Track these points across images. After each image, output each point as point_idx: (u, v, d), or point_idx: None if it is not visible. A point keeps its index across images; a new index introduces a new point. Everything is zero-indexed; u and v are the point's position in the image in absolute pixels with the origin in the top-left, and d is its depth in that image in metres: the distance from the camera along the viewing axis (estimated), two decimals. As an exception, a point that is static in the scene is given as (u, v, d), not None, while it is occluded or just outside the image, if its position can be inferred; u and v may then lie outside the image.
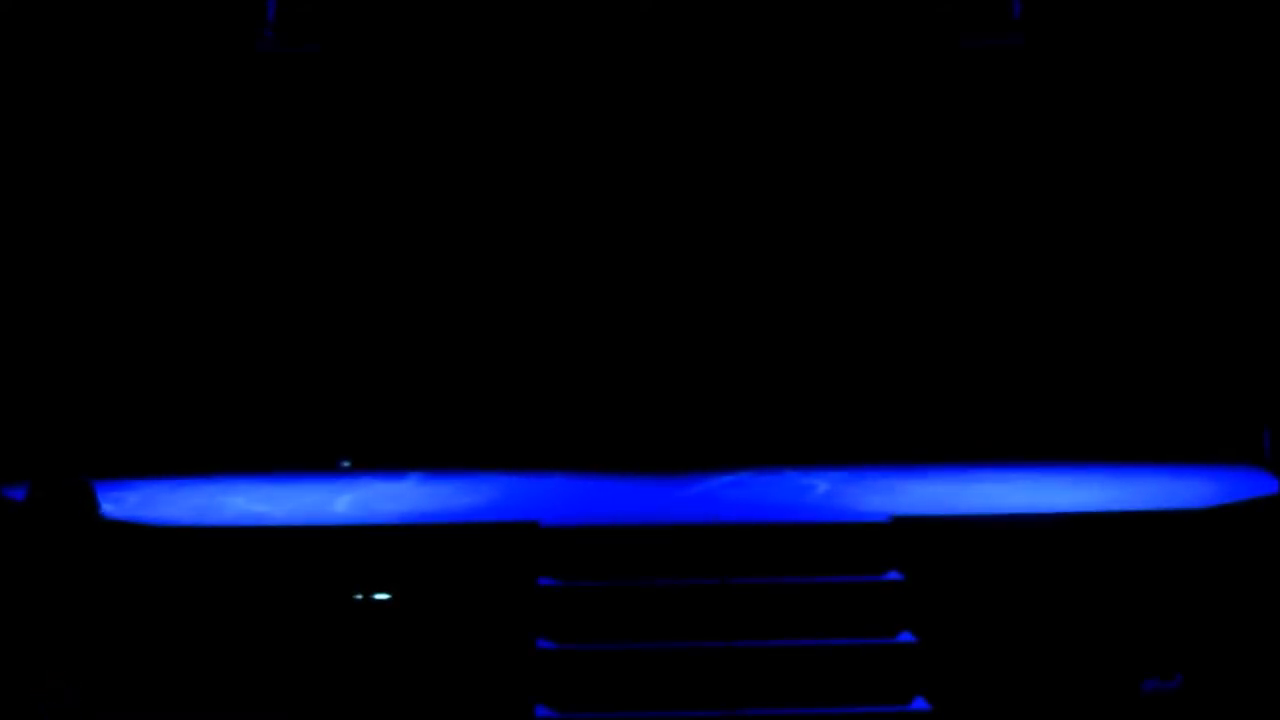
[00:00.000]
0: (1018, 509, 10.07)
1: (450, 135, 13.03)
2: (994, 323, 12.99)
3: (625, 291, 12.98)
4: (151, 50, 12.69)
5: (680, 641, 8.94)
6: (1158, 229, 12.97)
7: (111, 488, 11.08)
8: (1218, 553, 9.55)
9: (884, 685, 8.80)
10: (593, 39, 12.99)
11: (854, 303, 13.17)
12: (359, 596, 9.48)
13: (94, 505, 9.66)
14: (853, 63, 13.04)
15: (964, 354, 12.99)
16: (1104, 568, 9.53)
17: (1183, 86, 12.87)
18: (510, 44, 12.97)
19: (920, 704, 8.75)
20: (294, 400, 12.17)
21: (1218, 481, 10.89)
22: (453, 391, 12.81)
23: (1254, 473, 11.12)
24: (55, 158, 12.66)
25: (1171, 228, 12.95)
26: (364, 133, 12.94)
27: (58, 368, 12.51)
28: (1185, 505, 9.92)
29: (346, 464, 12.18)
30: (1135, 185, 13.03)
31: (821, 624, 9.01)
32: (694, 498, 10.91)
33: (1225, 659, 9.31)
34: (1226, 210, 12.83)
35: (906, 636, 8.99)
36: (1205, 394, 12.67)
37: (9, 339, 12.37)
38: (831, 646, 8.89)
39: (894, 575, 9.24)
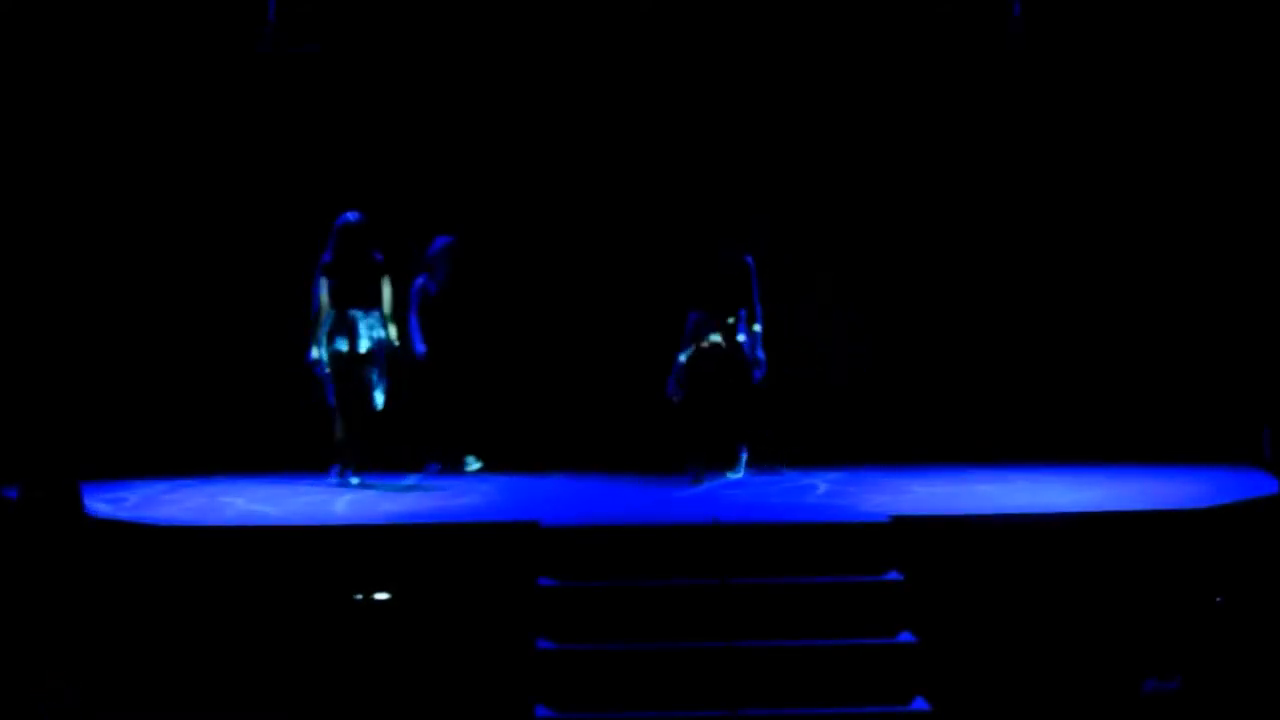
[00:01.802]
0: (1018, 509, 10.08)
1: (453, 136, 13.05)
2: (995, 324, 13.00)
3: (622, 290, 12.99)
4: (152, 51, 12.69)
5: (680, 641, 8.93)
6: (1158, 230, 12.98)
7: (111, 488, 11.09)
8: (1218, 553, 9.55)
9: (884, 685, 8.79)
10: (594, 40, 13.01)
11: (850, 303, 13.19)
12: (359, 596, 9.47)
13: (79, 505, 9.65)
14: (852, 63, 13.05)
15: (964, 354, 13.01)
16: (1104, 568, 9.53)
17: (1182, 88, 12.87)
18: (510, 46, 13.01)
19: (920, 704, 8.75)
20: (295, 401, 12.16)
21: (1217, 481, 10.90)
22: (452, 391, 12.80)
23: (1254, 473, 11.12)
24: (55, 159, 12.66)
25: (1172, 229, 12.96)
26: (362, 134, 12.94)
27: (59, 369, 12.51)
28: (1185, 505, 9.93)
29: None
30: (1135, 186, 13.04)
31: (821, 624, 9.01)
32: (694, 498, 10.91)
33: (1225, 659, 9.30)
34: (1227, 211, 12.83)
35: (906, 636, 8.98)
36: (1204, 394, 12.68)
37: (9, 340, 12.37)
38: (831, 646, 8.89)
39: (894, 575, 9.24)
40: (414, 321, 12.21)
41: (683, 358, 11.47)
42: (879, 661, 8.85)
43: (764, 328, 11.61)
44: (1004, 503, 10.44)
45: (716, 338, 11.39)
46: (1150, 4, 12.84)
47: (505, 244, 12.94)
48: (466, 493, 11.21)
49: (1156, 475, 11.47)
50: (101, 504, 10.24)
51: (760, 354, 11.61)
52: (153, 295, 12.84)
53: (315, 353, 11.57)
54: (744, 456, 11.77)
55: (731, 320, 11.50)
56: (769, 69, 13.06)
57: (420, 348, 12.16)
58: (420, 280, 12.33)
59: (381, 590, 9.47)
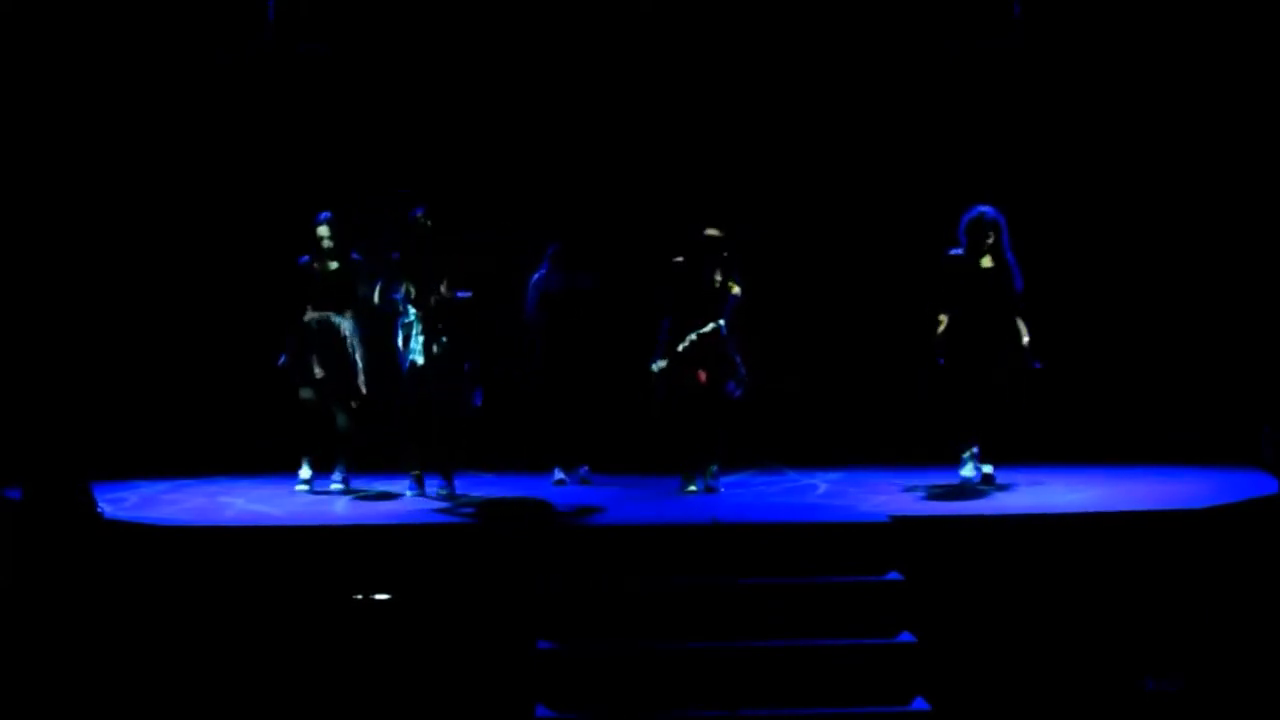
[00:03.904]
0: (1018, 509, 10.08)
1: (451, 140, 13.06)
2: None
3: (617, 292, 12.97)
4: (152, 51, 12.69)
5: (680, 641, 8.93)
6: (1158, 231, 12.98)
7: (111, 488, 11.10)
8: (1218, 553, 9.55)
9: (884, 685, 8.79)
10: (594, 42, 13.03)
11: (848, 303, 13.20)
12: (359, 596, 9.47)
13: (91, 505, 9.66)
14: (853, 65, 13.07)
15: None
16: (1104, 568, 9.52)
17: (1180, 89, 12.88)
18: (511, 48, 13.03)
19: (920, 704, 8.75)
20: (295, 401, 12.15)
21: (1218, 481, 10.90)
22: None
23: (1254, 473, 11.12)
24: (56, 158, 12.65)
25: (1172, 229, 12.96)
26: (362, 136, 12.95)
27: (60, 369, 12.49)
28: (1185, 505, 9.93)
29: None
30: (1135, 187, 13.04)
31: (821, 624, 9.01)
32: (694, 498, 10.90)
33: (1225, 659, 9.31)
34: (1226, 212, 12.84)
35: (906, 636, 8.98)
36: (1205, 395, 12.67)
37: (9, 340, 12.37)
38: (831, 646, 8.89)
39: (894, 575, 9.24)
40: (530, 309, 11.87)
41: (656, 368, 11.25)
42: (879, 661, 8.85)
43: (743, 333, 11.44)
44: (1004, 503, 10.44)
45: (694, 336, 11.21)
46: (1150, 4, 12.85)
47: (499, 244, 12.93)
48: (467, 493, 11.20)
49: (1156, 475, 11.47)
50: (102, 504, 10.23)
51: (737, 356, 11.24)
52: (154, 296, 12.84)
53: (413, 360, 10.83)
54: (718, 453, 11.32)
55: (711, 325, 11.21)
56: (758, 72, 13.10)
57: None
58: (537, 275, 11.98)
59: (381, 590, 9.47)
